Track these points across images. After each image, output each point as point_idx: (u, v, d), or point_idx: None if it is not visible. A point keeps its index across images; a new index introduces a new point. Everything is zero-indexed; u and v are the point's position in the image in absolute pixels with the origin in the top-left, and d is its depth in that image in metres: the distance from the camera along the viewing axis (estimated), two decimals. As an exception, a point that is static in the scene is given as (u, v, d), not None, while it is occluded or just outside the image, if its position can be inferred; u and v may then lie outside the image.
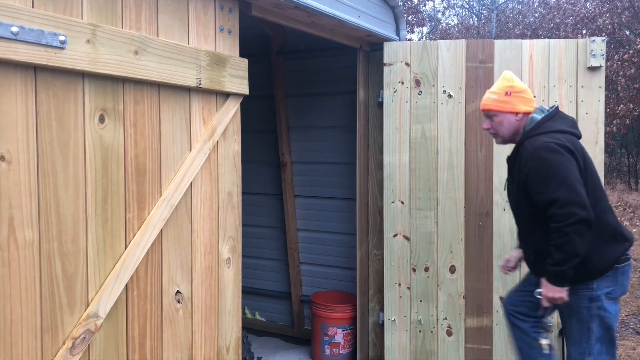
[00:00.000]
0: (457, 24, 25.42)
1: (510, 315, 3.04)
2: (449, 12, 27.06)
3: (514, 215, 2.89)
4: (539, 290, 2.63)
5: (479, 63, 3.61)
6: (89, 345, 1.94)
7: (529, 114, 2.75)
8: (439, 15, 26.86)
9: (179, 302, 2.32)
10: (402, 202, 3.69)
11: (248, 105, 4.58)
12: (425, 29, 24.66)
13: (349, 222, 4.30)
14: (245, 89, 2.60)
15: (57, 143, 1.83)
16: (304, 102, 4.37)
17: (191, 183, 2.35)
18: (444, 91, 3.63)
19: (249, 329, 4.66)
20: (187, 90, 2.31)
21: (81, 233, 1.92)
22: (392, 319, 3.74)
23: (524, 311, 2.97)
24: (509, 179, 2.87)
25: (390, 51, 3.65)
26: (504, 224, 3.62)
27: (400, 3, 3.61)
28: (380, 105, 3.72)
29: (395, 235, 3.71)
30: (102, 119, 1.98)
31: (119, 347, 2.07)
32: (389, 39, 3.66)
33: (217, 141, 2.48)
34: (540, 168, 2.54)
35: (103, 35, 1.92)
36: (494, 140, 2.97)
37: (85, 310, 1.93)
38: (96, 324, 1.95)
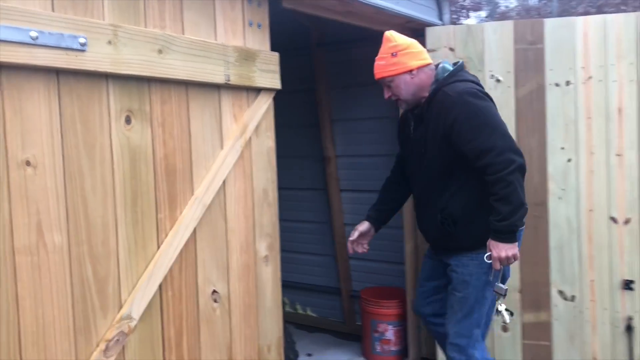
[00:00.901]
0: (517, 5, 24.57)
1: (428, 323, 2.90)
2: (506, -6, 26.18)
3: (417, 176, 2.67)
4: (487, 254, 2.44)
5: (528, 44, 3.41)
6: (123, 347, 1.94)
7: (424, 67, 2.57)
8: (498, -2, 26.01)
9: (215, 301, 2.30)
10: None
11: (289, 100, 4.54)
12: (483, 13, 23.97)
13: (398, 216, 4.17)
14: (277, 84, 2.54)
15: (83, 146, 1.83)
16: (347, 94, 4.28)
17: (224, 181, 2.31)
18: (492, 76, 3.45)
19: (301, 324, 4.64)
20: (216, 87, 2.28)
21: (111, 235, 1.91)
22: (444, 314, 3.60)
23: (439, 311, 2.81)
24: (413, 135, 2.64)
25: (432, 36, 3.50)
26: (560, 213, 3.41)
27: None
28: (425, 93, 3.58)
29: (444, 228, 3.57)
30: (128, 120, 1.96)
31: (155, 348, 2.06)
32: (431, 24, 3.51)
33: (250, 138, 2.43)
34: (469, 113, 2.38)
35: (125, 36, 1.90)
36: (399, 107, 2.71)
37: (119, 313, 1.93)
38: (130, 325, 1.94)
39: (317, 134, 4.38)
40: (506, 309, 2.50)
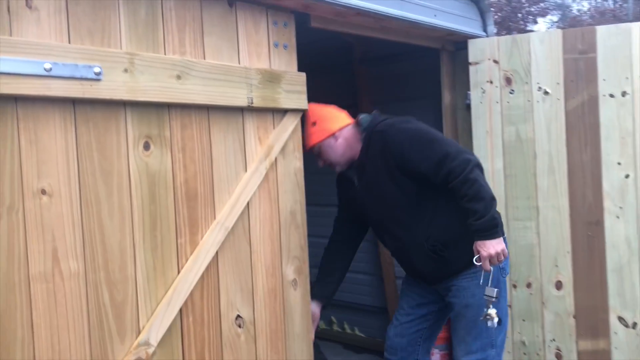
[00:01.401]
0: (589, 9, 23.57)
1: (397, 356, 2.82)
2: (580, -4, 25.13)
3: (384, 221, 2.63)
4: (476, 256, 2.39)
5: (578, 54, 3.21)
6: (141, 372, 1.94)
7: (345, 127, 2.63)
8: (569, 1, 25.05)
9: (239, 326, 2.27)
10: (498, 213, 3.37)
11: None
12: (554, 18, 23.15)
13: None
14: (304, 104, 2.50)
15: (99, 173, 1.85)
16: (390, 110, 4.18)
17: (248, 204, 2.29)
18: (539, 88, 3.27)
19: (348, 344, 4.55)
20: (239, 110, 2.27)
21: (129, 261, 1.92)
22: (492, 339, 3.42)
23: (416, 342, 2.80)
24: (361, 187, 2.63)
25: (475, 49, 3.37)
26: (619, 233, 3.18)
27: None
28: (469, 107, 3.44)
29: (491, 249, 3.40)
30: (147, 146, 1.98)
31: (175, 374, 2.05)
32: (474, 36, 3.38)
33: (276, 159, 2.40)
34: (411, 137, 2.46)
35: (141, 63, 1.92)
36: (335, 171, 2.73)
37: (136, 339, 1.93)
38: (147, 352, 1.94)
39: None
40: (497, 313, 2.39)
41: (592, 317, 3.25)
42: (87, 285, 1.82)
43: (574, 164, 3.24)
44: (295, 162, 2.51)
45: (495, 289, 2.38)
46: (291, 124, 2.47)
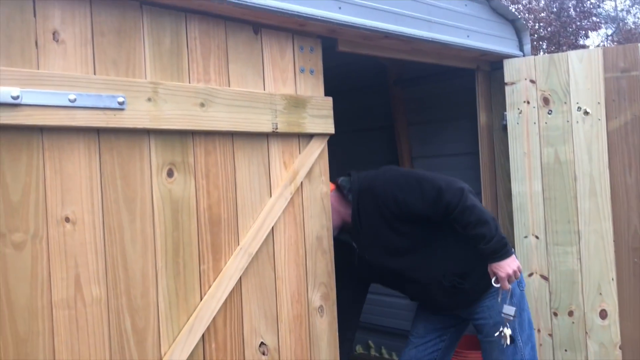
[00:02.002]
0: (645, 21, 22.76)
1: None
2: (635, 9, 24.34)
3: (398, 272, 2.58)
4: (493, 278, 2.42)
5: (620, 72, 3.09)
6: (163, 399, 1.94)
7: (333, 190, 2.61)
8: (624, 14, 24.28)
9: (263, 354, 2.25)
10: (537, 237, 3.26)
11: (368, 138, 4.48)
12: (608, 31, 22.48)
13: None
14: (330, 129, 2.49)
15: (122, 201, 1.88)
16: (426, 131, 4.13)
17: (272, 229, 2.28)
18: (579, 108, 3.16)
19: (385, 370, 4.46)
20: (264, 135, 2.27)
21: (151, 287, 1.94)
22: (532, 369, 3.28)
23: None
24: (362, 247, 2.60)
25: (511, 69, 3.29)
26: (667, 259, 3.01)
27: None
28: (505, 128, 3.35)
29: (530, 275, 3.28)
30: (170, 174, 2.00)
31: (198, 401, 2.05)
32: (509, 56, 3.30)
33: (301, 183, 2.39)
34: (401, 185, 2.47)
35: (165, 92, 1.95)
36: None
37: (158, 365, 1.94)
38: (168, 378, 1.94)
39: (398, 172, 4.25)
40: (510, 335, 2.43)
41: (639, 348, 3.07)
42: (109, 311, 1.84)
43: (618, 187, 3.11)
44: (322, 187, 2.49)
45: (514, 308, 2.40)
46: (317, 148, 2.46)
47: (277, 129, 2.27)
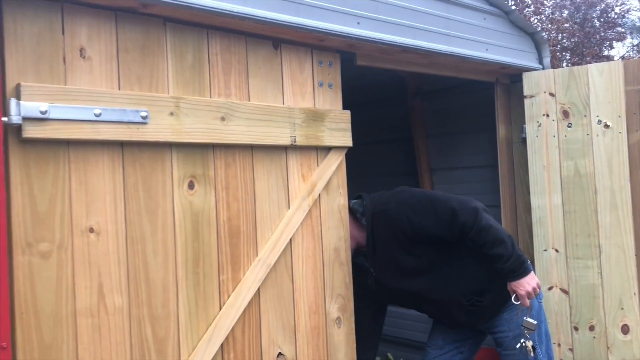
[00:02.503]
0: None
1: None
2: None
3: (417, 294, 2.60)
4: (514, 295, 2.44)
5: (641, 85, 3.07)
6: (182, 407, 1.98)
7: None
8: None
9: (281, 364, 2.28)
10: (557, 250, 3.24)
11: (387, 149, 4.50)
12: (634, 41, 22.19)
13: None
14: (348, 141, 2.52)
15: (145, 212, 1.93)
16: (445, 142, 4.14)
17: (291, 241, 2.32)
18: (599, 121, 3.15)
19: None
20: (283, 148, 2.31)
21: (172, 297, 1.98)
22: (553, 384, 3.25)
23: None
24: (378, 270, 2.61)
25: (530, 82, 3.29)
26: (690, 275, 2.97)
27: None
28: (525, 141, 3.35)
29: (550, 288, 3.25)
30: (191, 186, 2.05)
31: (216, 410, 2.08)
32: (528, 69, 3.31)
33: (319, 196, 2.43)
34: (414, 207, 2.48)
35: (187, 107, 2.00)
36: None
37: (177, 373, 1.97)
38: (187, 387, 1.98)
39: (415, 184, 4.26)
40: (532, 346, 2.44)
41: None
42: (130, 320, 1.89)
43: (639, 200, 3.08)
44: (340, 199, 2.52)
45: (535, 321, 2.41)
46: (335, 160, 2.49)
47: (295, 142, 2.31)
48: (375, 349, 2.91)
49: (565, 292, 3.22)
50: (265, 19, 2.13)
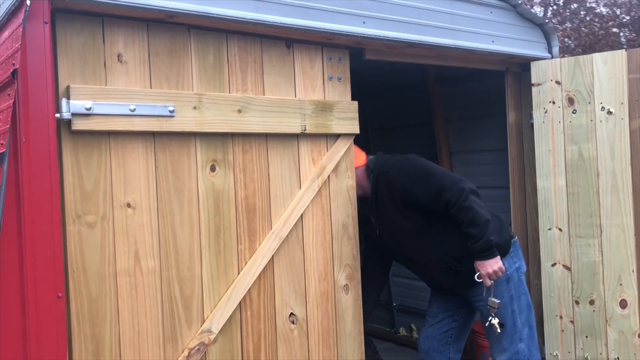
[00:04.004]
0: None
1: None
2: None
3: (403, 248, 2.94)
4: (477, 274, 2.72)
5: (643, 73, 3.22)
6: (205, 354, 2.36)
7: (359, 167, 2.92)
8: None
9: (293, 322, 2.63)
10: (560, 229, 3.45)
11: (409, 134, 4.75)
12: None
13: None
14: (355, 129, 2.81)
15: (173, 190, 2.30)
16: (465, 127, 4.35)
17: (302, 216, 2.64)
18: (602, 107, 3.32)
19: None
20: (294, 136, 2.63)
21: (196, 262, 2.36)
22: (555, 353, 3.49)
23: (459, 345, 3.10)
24: (377, 223, 2.95)
25: (537, 70, 3.48)
26: (686, 253, 3.14)
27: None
28: (533, 126, 3.55)
29: (554, 265, 3.48)
30: (213, 169, 2.41)
31: (235, 359, 2.45)
32: (537, 58, 3.49)
33: (329, 177, 2.74)
34: (409, 175, 2.80)
35: (208, 101, 2.35)
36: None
37: (201, 326, 2.35)
38: (209, 337, 2.36)
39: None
40: (498, 322, 2.75)
41: (658, 337, 3.22)
42: (161, 280, 2.27)
43: (639, 183, 3.25)
44: (348, 181, 2.83)
45: (498, 300, 2.68)
46: (344, 146, 2.79)
47: (305, 130, 2.63)
48: (377, 294, 3.26)
49: (568, 268, 3.43)
50: (276, 24, 2.44)
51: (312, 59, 2.70)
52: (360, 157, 2.97)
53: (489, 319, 2.75)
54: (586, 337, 3.40)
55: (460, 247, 2.79)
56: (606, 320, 3.34)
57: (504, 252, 2.85)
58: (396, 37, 2.83)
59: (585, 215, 3.38)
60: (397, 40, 2.84)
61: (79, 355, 2.07)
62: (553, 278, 3.47)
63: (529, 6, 11.03)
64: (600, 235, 3.34)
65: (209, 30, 2.39)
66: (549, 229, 3.49)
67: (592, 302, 3.38)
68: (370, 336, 3.93)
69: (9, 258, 1.86)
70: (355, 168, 2.88)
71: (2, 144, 1.85)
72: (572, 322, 3.43)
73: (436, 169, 2.86)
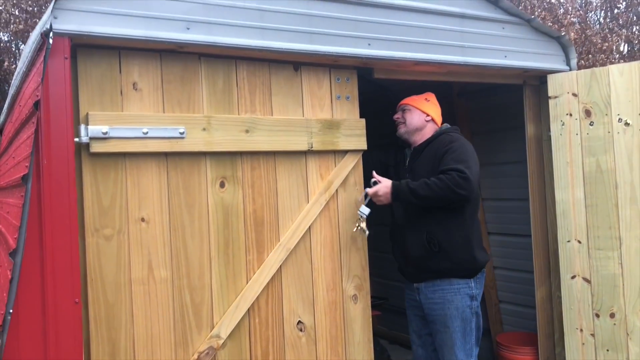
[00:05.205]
0: None
1: None
2: None
3: (404, 212, 3.10)
4: (374, 179, 2.97)
5: (660, 84, 3.19)
6: (214, 358, 2.53)
7: (434, 122, 3.22)
8: None
9: (301, 330, 2.77)
10: (579, 241, 3.44)
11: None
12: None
13: (529, 260, 4.10)
14: (363, 145, 2.94)
15: (184, 206, 2.50)
16: (490, 139, 4.38)
17: (310, 229, 2.79)
18: (620, 119, 3.30)
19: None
20: (302, 153, 2.79)
21: (206, 272, 2.54)
22: (575, 367, 3.47)
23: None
24: (409, 167, 3.16)
25: (554, 83, 3.49)
26: None
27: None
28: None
29: (573, 277, 3.46)
30: (222, 185, 2.59)
31: (243, 363, 2.62)
32: (555, 71, 3.51)
33: (337, 191, 2.87)
34: (456, 149, 2.97)
35: (216, 123, 2.54)
36: (397, 129, 3.26)
37: (210, 332, 2.53)
38: (218, 342, 2.53)
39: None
40: (366, 226, 2.93)
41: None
42: (173, 288, 2.47)
43: (658, 195, 3.21)
44: (356, 194, 2.95)
45: (369, 209, 2.91)
46: (352, 162, 2.93)
47: (312, 147, 2.78)
48: None
49: (587, 280, 3.41)
50: (282, 49, 2.61)
51: (319, 79, 2.85)
52: (439, 115, 3.29)
53: (357, 225, 2.90)
54: (607, 350, 3.37)
55: (450, 238, 2.96)
56: (627, 333, 3.30)
57: (476, 272, 3.05)
58: (402, 56, 2.94)
59: (604, 228, 3.36)
60: (403, 59, 2.94)
61: (96, 356, 2.29)
62: (573, 290, 3.46)
63: (584, 12, 10.74)
64: (620, 248, 3.31)
65: (218, 57, 2.59)
66: (568, 241, 3.48)
67: (612, 315, 3.34)
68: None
69: (32, 266, 2.10)
70: (432, 119, 3.21)
71: (26, 166, 2.10)
72: (592, 335, 3.41)
73: (473, 160, 2.97)
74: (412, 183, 2.88)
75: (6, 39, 9.48)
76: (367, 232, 2.91)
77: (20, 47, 9.84)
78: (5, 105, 3.99)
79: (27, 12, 9.12)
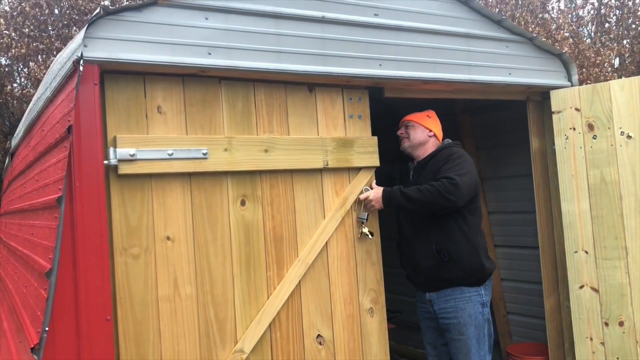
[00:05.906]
0: None
1: None
2: None
3: (413, 224, 3.23)
4: (366, 187, 3.02)
5: (660, 98, 3.30)
6: (238, 372, 2.60)
7: (436, 138, 3.38)
8: None
9: (320, 344, 2.84)
10: (586, 252, 3.53)
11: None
12: None
13: (538, 271, 4.18)
14: (375, 162, 3.04)
15: (207, 224, 2.58)
16: (494, 154, 4.49)
17: (327, 244, 2.87)
18: (622, 132, 3.41)
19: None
20: (318, 170, 2.88)
21: (229, 288, 2.62)
22: (586, 375, 3.54)
23: None
24: (413, 182, 3.25)
25: (557, 99, 3.61)
26: None
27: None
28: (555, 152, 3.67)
29: (581, 287, 3.55)
30: (243, 203, 2.68)
31: (266, 377, 2.68)
32: (557, 87, 3.63)
33: (351, 207, 2.96)
34: (458, 159, 3.12)
35: (237, 143, 2.64)
36: (401, 143, 3.41)
37: (234, 347, 2.60)
38: (242, 357, 2.60)
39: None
40: (369, 231, 3.01)
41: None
42: (198, 305, 2.54)
43: (662, 205, 3.30)
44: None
45: (367, 213, 3.01)
46: (365, 178, 3.02)
47: (327, 165, 2.87)
48: None
49: (595, 290, 3.50)
50: (298, 71, 2.72)
51: (333, 100, 2.96)
52: (440, 132, 3.44)
53: (361, 230, 2.99)
54: (617, 358, 3.44)
55: (459, 247, 3.08)
56: (636, 341, 3.38)
57: (485, 280, 3.16)
58: (411, 76, 3.05)
59: (610, 238, 3.45)
60: (412, 79, 3.05)
61: (126, 372, 2.35)
62: (581, 300, 3.54)
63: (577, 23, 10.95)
64: (626, 257, 3.40)
65: (237, 80, 2.69)
66: (575, 252, 3.57)
67: (621, 324, 3.42)
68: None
69: (66, 285, 2.17)
70: (434, 134, 3.36)
71: (59, 189, 2.18)
72: (602, 344, 3.48)
73: (472, 173, 3.11)
74: (405, 188, 3.02)
75: (5, 62, 9.58)
76: (370, 236, 3.00)
77: (21, 71, 9.96)
78: (21, 130, 4.08)
79: (29, 37, 9.25)
